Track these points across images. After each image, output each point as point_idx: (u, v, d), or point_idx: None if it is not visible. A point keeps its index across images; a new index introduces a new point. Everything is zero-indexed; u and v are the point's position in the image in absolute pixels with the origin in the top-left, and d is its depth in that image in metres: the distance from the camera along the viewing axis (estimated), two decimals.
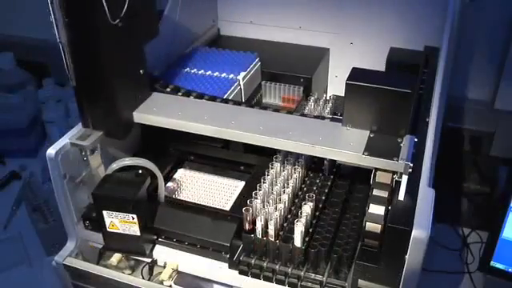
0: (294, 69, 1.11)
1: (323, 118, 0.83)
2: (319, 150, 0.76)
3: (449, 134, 1.07)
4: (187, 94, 0.90)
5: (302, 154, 0.88)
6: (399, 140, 0.75)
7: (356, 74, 0.76)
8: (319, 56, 1.16)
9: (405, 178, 0.70)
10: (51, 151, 0.79)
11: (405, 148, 0.73)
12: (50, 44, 1.62)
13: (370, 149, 0.73)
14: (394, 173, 0.74)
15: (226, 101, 0.89)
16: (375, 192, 0.75)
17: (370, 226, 0.73)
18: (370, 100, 0.75)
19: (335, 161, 0.88)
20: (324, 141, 0.76)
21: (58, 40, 0.74)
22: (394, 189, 0.74)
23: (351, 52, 1.17)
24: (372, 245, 0.74)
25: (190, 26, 1.07)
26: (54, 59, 1.69)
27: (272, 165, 0.85)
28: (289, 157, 0.88)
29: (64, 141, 0.81)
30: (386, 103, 0.74)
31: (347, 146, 0.74)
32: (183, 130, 0.82)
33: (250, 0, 1.21)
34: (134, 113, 0.85)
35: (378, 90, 0.73)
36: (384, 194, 0.74)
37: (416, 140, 0.75)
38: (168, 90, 0.91)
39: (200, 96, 0.89)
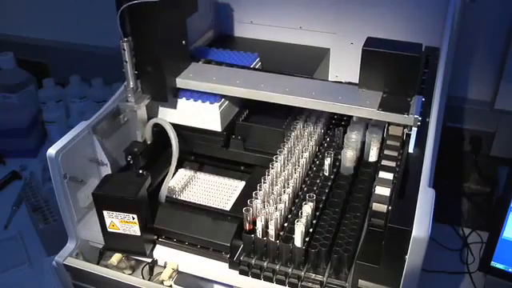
0: (294, 69, 1.11)
1: (341, 82, 0.94)
2: (339, 107, 0.85)
3: (449, 134, 1.07)
4: (219, 64, 1.01)
5: (301, 154, 0.88)
6: (409, 99, 0.84)
7: (371, 42, 0.86)
8: (319, 56, 1.16)
9: (414, 130, 0.81)
10: (51, 151, 0.79)
11: (414, 105, 0.82)
12: (50, 44, 1.64)
13: (384, 106, 0.83)
14: (404, 126, 0.85)
15: (254, 69, 1.01)
16: (381, 174, 0.79)
17: (376, 206, 0.76)
18: (382, 64, 0.84)
19: (335, 161, 0.89)
20: (343, 99, 0.85)
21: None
22: (397, 186, 0.74)
23: (351, 52, 1.17)
24: (378, 224, 0.76)
25: (190, 27, 1.07)
26: (54, 59, 1.71)
27: (272, 165, 0.85)
28: (289, 156, 0.88)
29: (65, 140, 0.81)
30: (397, 67, 0.83)
31: (364, 103, 0.84)
32: (219, 92, 0.92)
33: (250, 0, 1.21)
34: (177, 79, 0.93)
35: (390, 54, 0.83)
36: (394, 153, 0.84)
37: (423, 100, 0.84)
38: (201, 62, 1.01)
39: (230, 65, 1.00)
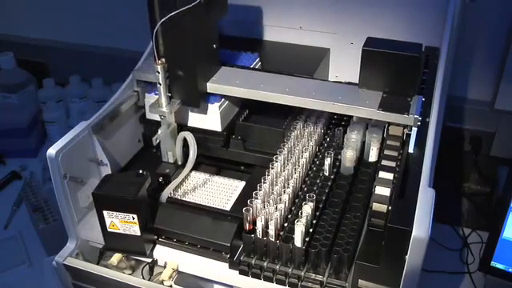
0: (294, 69, 1.11)
1: (341, 82, 0.94)
2: (339, 107, 0.85)
3: (449, 134, 1.07)
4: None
5: (301, 154, 0.88)
6: (409, 99, 0.84)
7: (371, 42, 0.86)
8: (319, 56, 1.16)
9: (414, 130, 0.81)
10: (51, 151, 0.79)
11: (414, 105, 0.82)
12: (50, 44, 1.64)
13: (384, 106, 0.83)
14: (404, 126, 0.85)
15: (254, 69, 1.02)
16: (381, 174, 0.79)
17: (376, 206, 0.76)
18: (383, 64, 0.84)
19: (335, 161, 0.89)
20: (343, 99, 0.85)
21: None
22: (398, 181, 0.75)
23: (351, 52, 1.16)
24: (378, 224, 0.76)
25: None
26: (54, 59, 1.71)
27: (272, 165, 0.85)
28: (289, 156, 0.88)
29: (65, 140, 0.81)
30: (397, 67, 0.84)
31: (364, 103, 0.84)
32: (219, 92, 0.92)
33: (249, 0, 1.21)
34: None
35: (390, 54, 0.83)
36: (394, 153, 0.84)
37: (423, 100, 0.84)
38: None
39: (230, 65, 0.99)
